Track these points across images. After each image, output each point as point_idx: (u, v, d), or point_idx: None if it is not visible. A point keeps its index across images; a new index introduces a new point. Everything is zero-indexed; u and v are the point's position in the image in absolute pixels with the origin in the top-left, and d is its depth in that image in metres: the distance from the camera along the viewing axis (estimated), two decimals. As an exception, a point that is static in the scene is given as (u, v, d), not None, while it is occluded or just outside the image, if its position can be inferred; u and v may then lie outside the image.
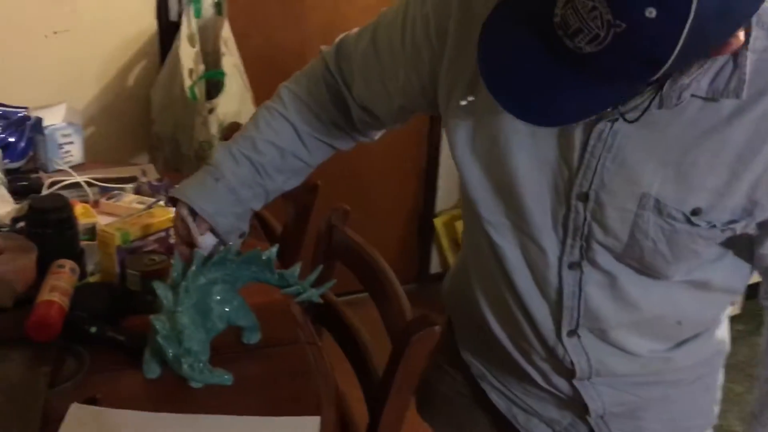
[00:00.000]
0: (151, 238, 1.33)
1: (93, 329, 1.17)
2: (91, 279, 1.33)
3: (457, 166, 1.01)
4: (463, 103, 0.94)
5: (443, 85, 1.00)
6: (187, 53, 2.25)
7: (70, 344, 1.15)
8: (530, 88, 0.77)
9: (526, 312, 1.03)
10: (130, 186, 1.75)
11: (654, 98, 0.83)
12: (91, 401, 1.05)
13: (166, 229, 1.36)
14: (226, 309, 1.15)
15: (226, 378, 1.07)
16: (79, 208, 1.56)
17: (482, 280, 1.11)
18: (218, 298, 1.14)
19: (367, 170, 2.91)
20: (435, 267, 3.15)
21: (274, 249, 1.19)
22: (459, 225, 3.00)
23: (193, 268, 1.11)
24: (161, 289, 1.09)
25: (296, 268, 1.21)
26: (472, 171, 0.99)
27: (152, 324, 1.06)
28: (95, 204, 1.65)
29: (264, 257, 1.18)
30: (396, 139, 2.82)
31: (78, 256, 1.34)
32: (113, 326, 1.18)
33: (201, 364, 1.05)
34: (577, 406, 1.11)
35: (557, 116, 0.79)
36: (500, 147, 0.94)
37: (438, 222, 3.05)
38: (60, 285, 1.20)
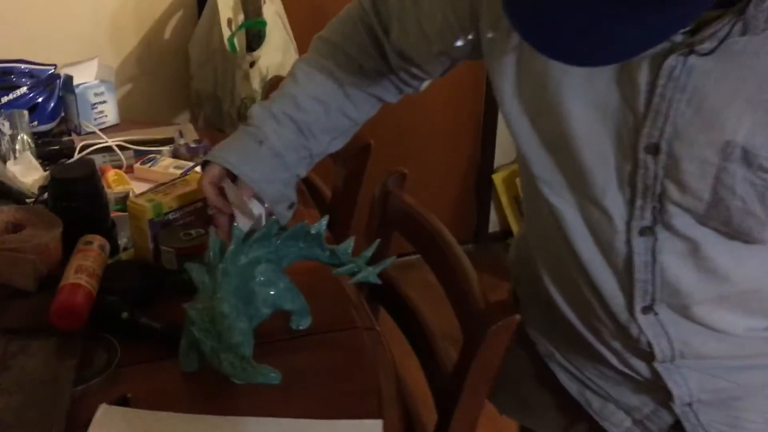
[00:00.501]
0: (188, 209, 1.19)
1: (125, 315, 1.03)
2: (124, 256, 1.20)
3: (505, 118, 0.89)
4: (504, 42, 0.83)
5: (485, 25, 0.88)
6: (225, 2, 2.08)
7: (98, 333, 1.02)
8: (566, 16, 0.61)
9: (593, 286, 0.89)
10: (166, 149, 1.61)
11: (736, 23, 0.68)
12: (122, 401, 0.92)
13: (204, 199, 1.21)
14: (272, 292, 1.01)
15: (272, 376, 0.92)
16: (111, 175, 1.42)
17: (544, 249, 0.98)
18: (262, 279, 1.00)
19: (419, 125, 2.73)
20: (493, 226, 2.97)
21: (324, 222, 1.04)
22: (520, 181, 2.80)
23: (233, 246, 0.96)
24: (196, 272, 0.95)
25: (349, 244, 1.06)
26: (522, 123, 0.87)
27: (186, 314, 0.92)
28: (129, 169, 1.51)
29: (313, 231, 1.03)
30: (450, 90, 2.64)
31: (108, 230, 1.20)
32: (147, 312, 1.05)
33: (244, 361, 0.90)
34: (660, 392, 0.95)
35: (604, 52, 0.63)
36: (550, 94, 0.81)
37: (497, 178, 2.86)
38: (87, 265, 1.07)
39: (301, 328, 1.07)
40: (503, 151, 2.85)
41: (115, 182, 1.40)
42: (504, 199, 2.88)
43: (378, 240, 1.09)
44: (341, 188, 1.47)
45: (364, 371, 0.99)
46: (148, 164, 1.51)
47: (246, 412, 0.91)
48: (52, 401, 0.91)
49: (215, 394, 0.95)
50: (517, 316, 0.91)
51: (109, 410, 0.90)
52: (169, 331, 1.02)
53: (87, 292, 1.03)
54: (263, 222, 1.03)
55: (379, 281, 1.05)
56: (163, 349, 1.01)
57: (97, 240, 1.13)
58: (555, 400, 1.08)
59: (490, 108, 2.77)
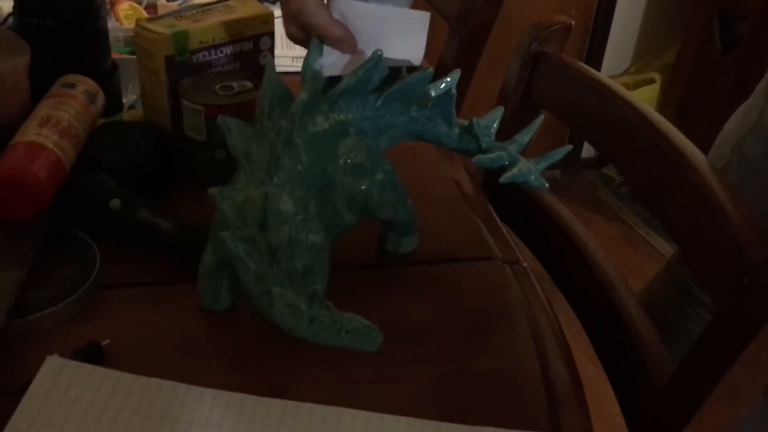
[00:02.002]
0: (230, 48, 0.75)
1: (114, 204, 0.62)
2: (127, 117, 0.78)
3: None
4: None
5: None
6: None
7: (69, 230, 0.61)
8: None
9: None
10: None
11: None
12: (92, 352, 0.51)
13: (259, 36, 0.77)
14: (363, 186, 0.58)
15: (367, 336, 0.49)
16: (124, 7, 0.99)
17: None
18: (349, 162, 0.57)
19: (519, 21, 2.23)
20: (587, 151, 2.50)
21: (456, 75, 0.61)
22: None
23: (305, 95, 0.53)
24: (236, 135, 0.52)
25: (495, 116, 0.63)
26: None
27: (216, 207, 0.50)
28: (152, 10, 1.07)
29: (439, 88, 0.60)
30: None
31: (106, 74, 0.78)
32: (153, 203, 0.63)
33: (314, 303, 0.47)
34: None
35: None
36: None
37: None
38: (60, 117, 0.65)
39: (401, 252, 0.65)
40: (613, 60, 2.35)
41: (127, 18, 0.97)
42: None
43: (541, 117, 0.65)
44: (453, 56, 1.02)
45: (509, 328, 0.57)
46: (178, 0, 1.06)
47: (309, 395, 0.50)
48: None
49: (256, 354, 0.53)
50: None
51: (61, 366, 0.50)
52: (184, 237, 0.60)
53: (53, 159, 0.61)
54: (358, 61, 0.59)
55: (546, 185, 0.61)
56: (173, 266, 0.60)
57: (84, 83, 0.71)
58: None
59: (605, 6, 2.26)
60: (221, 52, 0.75)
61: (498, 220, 0.72)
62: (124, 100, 0.82)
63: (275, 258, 0.48)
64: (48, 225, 0.61)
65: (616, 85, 0.73)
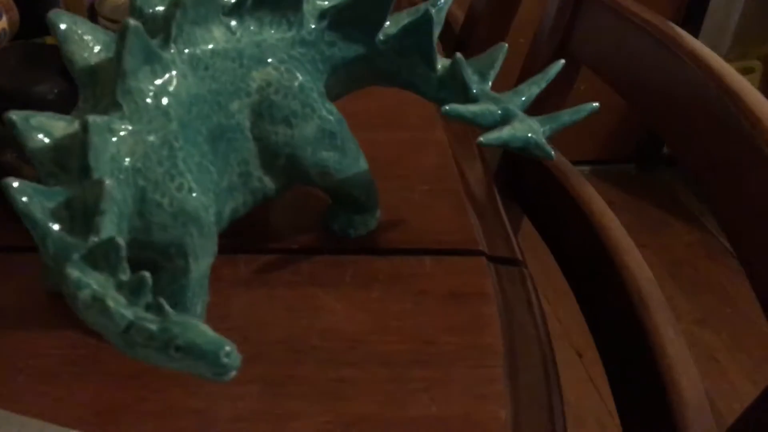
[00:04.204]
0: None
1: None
2: (50, 40, 0.63)
3: None
4: None
5: None
6: None
7: None
8: None
9: None
10: None
11: None
12: None
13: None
14: (285, 137, 0.41)
15: (213, 361, 0.30)
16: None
17: None
18: (264, 102, 0.40)
19: None
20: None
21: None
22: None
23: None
24: (74, 44, 0.36)
25: (496, 54, 0.45)
26: None
27: (17, 137, 0.34)
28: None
29: (435, 5, 0.43)
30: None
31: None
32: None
33: (139, 297, 0.31)
34: None
35: None
36: None
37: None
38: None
39: (351, 234, 0.47)
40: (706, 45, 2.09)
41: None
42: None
43: (561, 61, 0.46)
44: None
45: (489, 355, 0.39)
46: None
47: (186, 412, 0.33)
48: None
49: (101, 358, 0.37)
50: None
51: None
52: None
53: None
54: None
55: (552, 155, 0.42)
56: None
57: (-14, -8, 0.56)
58: None
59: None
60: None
61: (501, 208, 0.54)
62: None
63: (90, 223, 0.31)
64: None
65: (692, 40, 0.53)
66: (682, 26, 0.52)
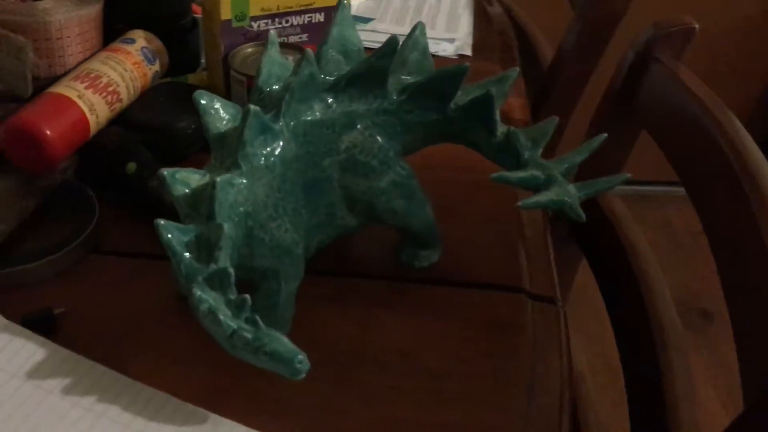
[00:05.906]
0: (296, 18, 0.71)
1: (131, 167, 0.60)
2: (193, 79, 0.76)
3: None
4: None
5: None
6: None
7: (78, 186, 0.60)
8: None
9: None
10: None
11: None
12: (43, 318, 0.50)
13: (331, 8, 0.72)
14: (365, 188, 0.51)
15: (289, 366, 0.41)
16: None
17: None
18: (350, 159, 0.50)
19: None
20: None
21: (515, 72, 0.53)
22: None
23: (296, 79, 0.47)
24: (209, 115, 0.47)
25: (548, 127, 0.54)
26: None
27: (166, 187, 0.46)
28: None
29: (501, 80, 0.53)
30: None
31: (183, 32, 0.76)
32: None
33: (241, 312, 0.42)
34: None
35: None
36: None
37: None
38: (103, 72, 0.64)
39: (416, 265, 0.57)
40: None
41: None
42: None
43: (604, 135, 0.54)
44: (573, 44, 0.90)
45: (513, 372, 0.48)
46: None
47: (294, 405, 0.45)
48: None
49: (217, 355, 0.49)
50: None
51: (7, 329, 0.48)
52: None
53: (76, 114, 0.60)
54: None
55: (582, 216, 0.51)
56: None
57: (145, 40, 0.69)
58: None
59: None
60: (286, 21, 0.71)
61: (550, 249, 0.62)
62: (202, 60, 0.81)
63: (211, 255, 0.43)
64: (57, 180, 0.60)
65: (732, 118, 0.60)
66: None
